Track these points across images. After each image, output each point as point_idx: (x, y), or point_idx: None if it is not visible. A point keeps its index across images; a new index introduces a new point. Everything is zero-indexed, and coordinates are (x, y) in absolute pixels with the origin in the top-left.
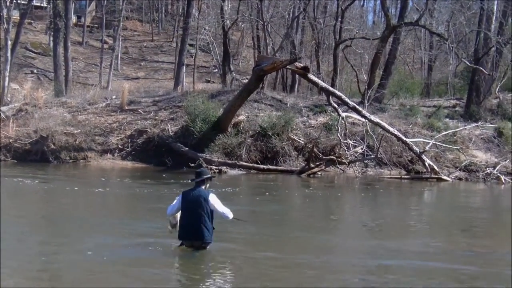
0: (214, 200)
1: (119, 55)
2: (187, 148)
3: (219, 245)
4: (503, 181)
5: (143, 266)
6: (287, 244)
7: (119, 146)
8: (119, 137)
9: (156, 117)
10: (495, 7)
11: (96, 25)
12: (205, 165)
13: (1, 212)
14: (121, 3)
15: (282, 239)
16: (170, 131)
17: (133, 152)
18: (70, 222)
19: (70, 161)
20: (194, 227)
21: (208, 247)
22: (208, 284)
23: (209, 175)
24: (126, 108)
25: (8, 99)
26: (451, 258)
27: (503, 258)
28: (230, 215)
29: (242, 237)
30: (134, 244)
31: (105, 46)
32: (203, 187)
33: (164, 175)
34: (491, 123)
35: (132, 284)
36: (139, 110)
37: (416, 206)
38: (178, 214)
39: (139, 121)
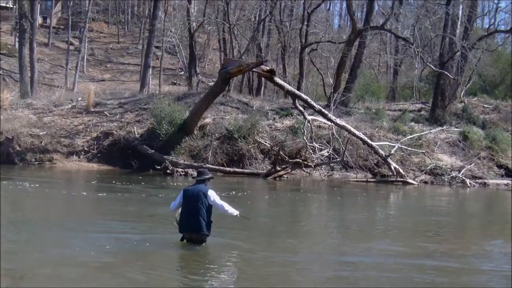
0: (213, 195)
1: (85, 56)
2: (153, 151)
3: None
4: (468, 185)
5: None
6: (253, 245)
7: (85, 148)
8: (85, 139)
9: (122, 119)
10: (460, 12)
11: (62, 27)
12: (171, 167)
13: None
14: (87, 4)
15: (247, 243)
16: (136, 133)
17: (99, 154)
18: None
19: (36, 163)
20: (193, 220)
21: (206, 240)
22: None
23: (209, 176)
24: (92, 110)
25: None
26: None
27: (468, 260)
28: (230, 209)
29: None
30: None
31: (71, 47)
32: (203, 185)
33: (129, 177)
34: (456, 127)
35: (129, 284)
36: (105, 112)
37: (382, 209)
38: None
39: (105, 123)
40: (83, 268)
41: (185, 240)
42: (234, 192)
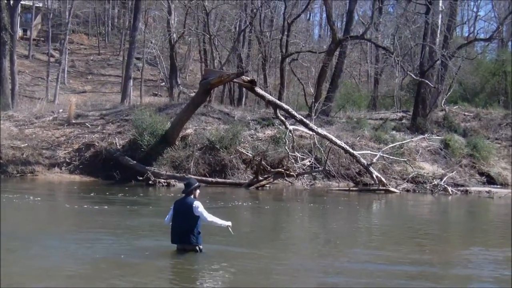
0: (199, 206)
1: (66, 68)
2: (135, 162)
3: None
4: (450, 192)
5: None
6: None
7: (67, 160)
8: (67, 151)
9: (104, 131)
10: (439, 21)
11: (43, 39)
12: (153, 178)
13: None
14: (67, 17)
15: (229, 254)
16: (117, 144)
17: (81, 166)
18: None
19: (18, 175)
20: (182, 232)
21: (200, 249)
22: None
23: (195, 185)
24: (73, 121)
25: None
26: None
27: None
28: (217, 220)
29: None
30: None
31: (52, 59)
32: (192, 196)
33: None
34: (438, 135)
35: None
36: (87, 124)
37: (364, 218)
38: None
39: (86, 135)
40: (73, 279)
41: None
42: (222, 203)
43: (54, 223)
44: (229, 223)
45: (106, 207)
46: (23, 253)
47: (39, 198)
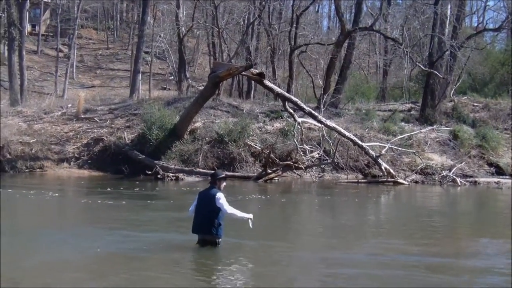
0: (221, 198)
1: (75, 63)
2: (143, 156)
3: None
4: (459, 183)
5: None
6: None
7: (76, 155)
8: (76, 146)
9: (112, 125)
10: (448, 12)
11: (51, 34)
12: (162, 172)
13: None
14: (76, 12)
15: (247, 244)
16: (126, 139)
17: (89, 161)
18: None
19: (27, 170)
20: (203, 223)
21: (218, 242)
22: None
23: (221, 176)
24: (82, 116)
25: None
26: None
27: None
28: (238, 213)
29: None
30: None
31: (60, 54)
32: (217, 187)
33: (121, 183)
34: (446, 126)
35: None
36: (95, 119)
37: (373, 209)
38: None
39: (95, 129)
40: (84, 273)
41: (197, 244)
42: (240, 196)
43: (68, 218)
44: (250, 216)
45: (124, 202)
46: (39, 247)
47: (57, 194)
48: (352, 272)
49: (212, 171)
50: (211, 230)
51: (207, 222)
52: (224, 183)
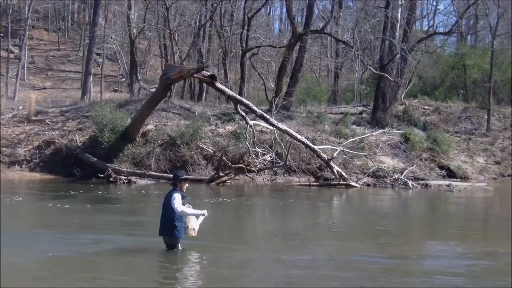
0: (175, 197)
1: (26, 64)
2: (95, 159)
3: None
4: (411, 186)
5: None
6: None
7: (27, 158)
8: (27, 148)
9: (64, 128)
10: (399, 15)
11: (2, 34)
12: (114, 175)
13: None
14: (26, 12)
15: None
16: (78, 141)
17: (41, 164)
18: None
19: None
20: (164, 225)
21: (177, 245)
22: None
23: (181, 177)
24: (33, 118)
25: None
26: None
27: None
28: (184, 210)
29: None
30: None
31: (11, 55)
32: (178, 188)
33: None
34: (398, 129)
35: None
36: (47, 121)
37: (325, 212)
38: (193, 220)
39: (46, 132)
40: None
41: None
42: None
43: (20, 221)
44: (203, 212)
45: (74, 205)
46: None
47: (20, 198)
48: (309, 273)
49: (172, 173)
50: (170, 232)
51: (167, 224)
52: (186, 185)
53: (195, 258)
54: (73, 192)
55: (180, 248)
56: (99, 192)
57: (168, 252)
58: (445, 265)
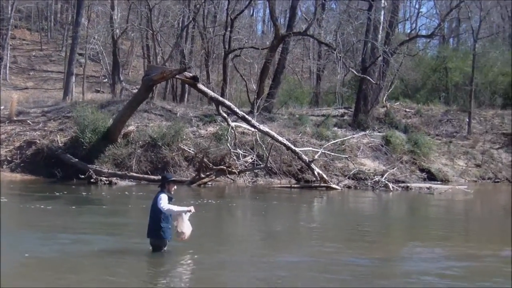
0: (161, 198)
1: (8, 64)
2: (76, 159)
3: None
4: (391, 189)
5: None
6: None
7: (8, 158)
8: (8, 149)
9: (45, 128)
10: (381, 18)
11: None
12: (95, 176)
13: None
14: (9, 11)
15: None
16: (59, 142)
17: (22, 164)
18: None
19: None
20: (151, 226)
21: (163, 246)
22: None
23: (168, 179)
24: (15, 119)
25: None
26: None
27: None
28: (171, 208)
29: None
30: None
31: None
32: (166, 190)
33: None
34: (379, 132)
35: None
36: (28, 121)
37: (306, 214)
38: (183, 224)
39: (28, 132)
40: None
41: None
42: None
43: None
44: (189, 208)
45: (50, 207)
46: None
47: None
48: (292, 275)
49: (161, 175)
50: (156, 233)
51: (154, 226)
52: (175, 186)
53: (179, 260)
54: (57, 193)
55: (165, 249)
56: (83, 194)
57: (153, 254)
58: (426, 267)
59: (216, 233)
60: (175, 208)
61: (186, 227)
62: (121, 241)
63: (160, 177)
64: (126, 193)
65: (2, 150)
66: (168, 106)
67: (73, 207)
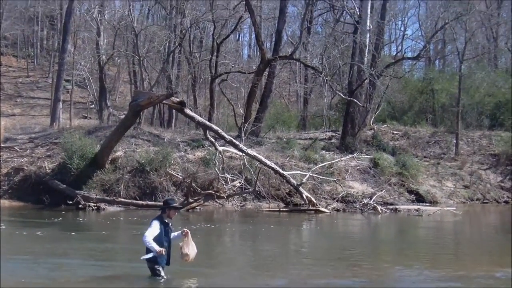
0: (152, 224)
1: None
2: (64, 186)
3: None
4: (380, 211)
5: None
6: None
7: None
8: None
9: (33, 154)
10: (367, 40)
11: None
12: (83, 202)
13: None
14: None
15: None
16: (47, 168)
17: (10, 191)
18: None
19: None
20: (148, 251)
21: (159, 269)
22: None
23: (171, 205)
24: (2, 145)
25: None
26: None
27: None
28: (148, 240)
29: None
30: None
31: None
32: (165, 216)
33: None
34: (367, 154)
35: None
36: (15, 148)
37: (294, 238)
38: (188, 245)
39: (15, 159)
40: None
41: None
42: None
43: None
44: (158, 249)
45: (44, 232)
46: None
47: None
48: None
49: (164, 199)
50: (150, 259)
51: (148, 251)
52: (176, 213)
53: (169, 283)
54: (46, 220)
55: (163, 274)
56: (77, 219)
57: (145, 277)
58: None
59: (207, 257)
60: (148, 244)
61: (190, 249)
62: (110, 266)
63: (164, 201)
64: (114, 218)
65: None
66: (155, 131)
67: (63, 233)
